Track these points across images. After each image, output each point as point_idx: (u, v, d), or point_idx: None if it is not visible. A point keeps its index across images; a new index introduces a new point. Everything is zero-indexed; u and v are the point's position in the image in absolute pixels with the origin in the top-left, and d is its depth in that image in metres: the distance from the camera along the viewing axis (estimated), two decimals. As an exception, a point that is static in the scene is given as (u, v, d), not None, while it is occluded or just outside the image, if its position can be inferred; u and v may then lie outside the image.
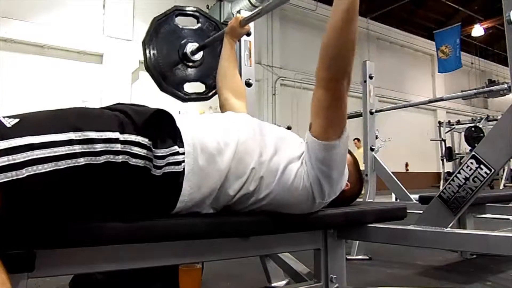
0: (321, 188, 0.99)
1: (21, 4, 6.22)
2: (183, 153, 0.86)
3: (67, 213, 0.77)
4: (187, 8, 1.83)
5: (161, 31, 1.71)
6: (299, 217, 1.06)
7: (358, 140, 6.76)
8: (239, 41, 1.74)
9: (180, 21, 1.78)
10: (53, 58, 6.54)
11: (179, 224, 0.91)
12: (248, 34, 1.74)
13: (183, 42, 1.76)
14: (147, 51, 1.67)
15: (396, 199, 3.35)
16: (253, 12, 1.56)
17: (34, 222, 0.73)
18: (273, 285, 1.63)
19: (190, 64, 1.78)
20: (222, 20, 7.01)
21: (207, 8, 7.46)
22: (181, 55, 1.75)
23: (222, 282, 1.89)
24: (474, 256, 2.36)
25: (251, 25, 1.72)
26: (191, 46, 1.75)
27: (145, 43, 1.69)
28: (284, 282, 1.64)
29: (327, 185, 0.99)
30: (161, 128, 0.86)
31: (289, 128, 3.72)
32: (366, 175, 2.66)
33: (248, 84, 1.71)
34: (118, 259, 0.88)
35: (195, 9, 1.85)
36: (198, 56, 1.79)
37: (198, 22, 1.84)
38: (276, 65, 9.41)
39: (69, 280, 1.58)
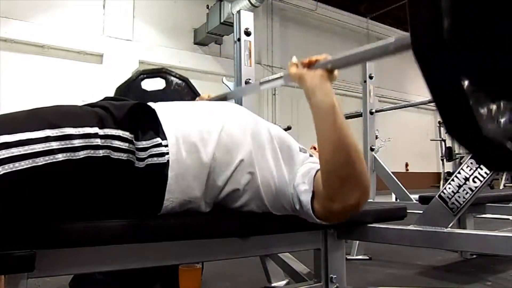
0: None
1: (21, 4, 6.21)
2: (166, 145, 0.85)
3: (53, 210, 0.77)
4: (151, 71, 1.75)
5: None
6: (299, 217, 1.06)
7: (315, 148, 6.60)
8: (239, 40, 1.74)
9: (146, 85, 1.71)
10: (53, 58, 6.52)
11: (178, 224, 0.91)
12: (248, 34, 1.74)
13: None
14: None
15: (396, 199, 3.35)
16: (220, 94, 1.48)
17: (34, 222, 0.73)
18: (273, 285, 1.63)
19: None
20: (222, 20, 6.97)
21: (207, 8, 7.43)
22: None
23: (222, 282, 1.89)
24: (474, 256, 2.36)
25: (251, 24, 1.72)
26: None
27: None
28: (284, 282, 1.64)
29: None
30: (142, 121, 0.86)
31: (289, 128, 3.72)
32: (366, 175, 2.66)
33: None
34: (118, 259, 0.88)
35: (160, 69, 1.77)
36: None
37: (167, 82, 1.76)
38: (276, 65, 9.38)
39: (69, 280, 1.58)
